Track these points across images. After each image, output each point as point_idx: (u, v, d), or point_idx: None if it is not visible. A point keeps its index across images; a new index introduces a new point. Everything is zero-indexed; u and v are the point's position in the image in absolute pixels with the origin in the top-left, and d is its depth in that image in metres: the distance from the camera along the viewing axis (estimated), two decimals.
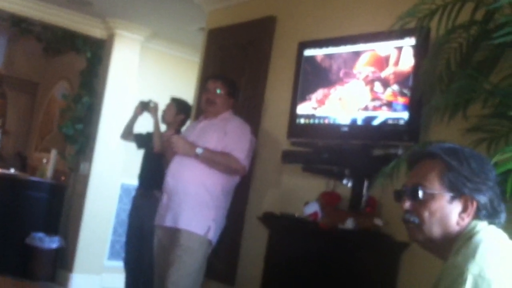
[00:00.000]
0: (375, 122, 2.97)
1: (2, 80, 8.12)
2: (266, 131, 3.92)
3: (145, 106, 4.87)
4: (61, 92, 7.08)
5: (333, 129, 3.20)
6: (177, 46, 6.50)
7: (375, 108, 2.99)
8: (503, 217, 1.59)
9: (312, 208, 3.16)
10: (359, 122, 3.06)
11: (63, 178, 6.55)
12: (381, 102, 2.96)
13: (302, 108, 3.40)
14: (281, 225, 3.35)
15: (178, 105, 4.90)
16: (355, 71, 3.13)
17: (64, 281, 5.92)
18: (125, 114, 5.53)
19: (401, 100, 2.87)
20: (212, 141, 3.51)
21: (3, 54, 8.13)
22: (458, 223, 1.55)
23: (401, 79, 2.89)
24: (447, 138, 2.47)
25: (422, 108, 2.70)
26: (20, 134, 8.08)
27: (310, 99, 3.36)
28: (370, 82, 3.04)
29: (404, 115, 2.84)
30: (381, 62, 3.00)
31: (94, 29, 6.23)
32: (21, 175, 6.75)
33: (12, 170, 6.97)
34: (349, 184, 3.17)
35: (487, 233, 1.52)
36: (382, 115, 2.94)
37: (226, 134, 3.52)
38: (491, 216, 1.56)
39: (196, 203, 3.44)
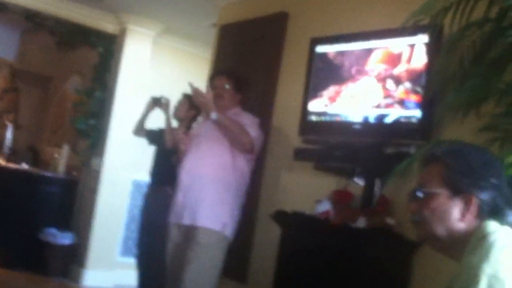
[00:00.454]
0: (387, 120, 2.95)
1: (15, 74, 8.15)
2: (277, 128, 3.90)
3: (156, 102, 4.87)
4: (74, 87, 7.10)
5: (345, 126, 3.18)
6: (189, 41, 6.50)
7: (387, 106, 2.96)
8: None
9: (324, 206, 3.15)
10: (371, 119, 3.04)
11: (75, 173, 6.58)
12: (394, 100, 2.93)
13: (314, 105, 3.38)
14: (293, 223, 3.33)
15: (190, 101, 4.89)
16: (367, 68, 3.11)
17: (77, 277, 5.95)
18: (137, 109, 5.54)
19: (413, 98, 2.85)
20: (221, 136, 3.49)
21: (17, 48, 8.16)
22: (461, 221, 1.56)
23: (414, 77, 2.86)
24: (460, 137, 2.44)
25: (435, 106, 2.68)
26: (32, 128, 8.11)
27: (321, 96, 3.34)
28: (382, 79, 3.01)
29: (417, 113, 2.82)
30: (394, 59, 2.98)
31: (106, 24, 6.23)
32: (33, 170, 6.78)
33: (24, 165, 7.01)
34: (361, 182, 3.15)
35: (501, 234, 1.51)
36: (394, 113, 2.92)
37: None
38: (495, 214, 1.56)
39: (212, 199, 3.44)
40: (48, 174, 6.64)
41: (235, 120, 3.47)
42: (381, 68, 3.03)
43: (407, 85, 2.88)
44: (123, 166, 6.11)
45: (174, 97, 4.95)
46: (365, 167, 3.11)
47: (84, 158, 6.33)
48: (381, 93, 3.00)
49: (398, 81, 2.92)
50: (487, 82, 2.34)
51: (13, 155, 7.54)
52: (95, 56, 6.39)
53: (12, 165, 6.85)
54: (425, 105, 2.77)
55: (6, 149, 7.52)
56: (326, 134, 3.32)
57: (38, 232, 5.98)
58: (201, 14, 5.41)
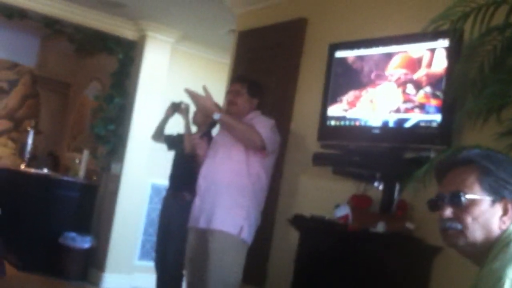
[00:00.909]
0: (407, 125, 2.95)
1: (35, 80, 8.25)
2: (296, 133, 3.92)
3: (176, 108, 4.90)
4: (93, 93, 7.18)
5: (364, 131, 3.19)
6: (207, 48, 6.54)
7: (407, 110, 2.96)
8: None
9: (343, 211, 3.15)
10: (391, 124, 3.04)
11: (94, 178, 6.63)
12: (413, 104, 2.94)
13: (333, 110, 3.39)
14: (312, 228, 3.34)
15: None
16: (387, 73, 3.11)
17: (96, 280, 6.00)
18: (156, 115, 5.59)
19: (433, 103, 2.85)
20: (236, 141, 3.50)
21: (36, 55, 8.25)
22: (500, 227, 1.55)
23: (434, 81, 2.86)
24: (481, 142, 2.44)
25: (455, 112, 2.67)
26: (52, 134, 8.19)
27: (341, 101, 3.35)
28: (402, 84, 3.02)
29: (437, 118, 2.82)
30: (414, 64, 2.98)
31: (126, 31, 6.30)
32: (53, 175, 6.85)
33: (45, 170, 7.08)
34: (380, 187, 3.15)
35: None
36: (414, 118, 2.92)
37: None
38: None
39: (228, 203, 3.44)
40: (68, 179, 6.70)
41: (240, 120, 3.47)
42: (401, 72, 3.03)
43: (427, 89, 2.88)
44: (142, 171, 6.16)
45: (192, 103, 4.98)
46: (384, 172, 3.11)
47: (104, 163, 6.39)
48: (400, 97, 3.00)
49: (418, 85, 2.93)
50: (507, 88, 2.34)
51: (33, 161, 7.62)
52: (114, 62, 6.45)
53: (32, 170, 6.93)
54: (445, 109, 2.77)
55: (26, 155, 7.61)
56: (345, 139, 3.33)
57: (58, 236, 6.04)
58: (219, 21, 5.45)
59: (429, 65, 2.90)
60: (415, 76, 2.95)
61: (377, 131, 3.11)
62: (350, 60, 3.35)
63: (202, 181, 3.58)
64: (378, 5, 3.55)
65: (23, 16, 6.05)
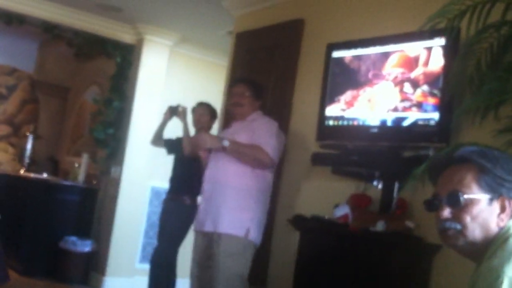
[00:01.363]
0: (405, 123, 2.96)
1: (34, 85, 8.25)
2: (295, 133, 3.92)
3: (174, 111, 4.91)
4: (92, 97, 7.18)
5: (362, 130, 3.19)
6: (205, 50, 6.55)
7: (404, 109, 2.97)
8: None
9: (342, 210, 3.16)
10: (389, 123, 3.05)
11: (94, 181, 6.64)
12: (411, 103, 2.94)
13: (331, 110, 3.39)
14: (311, 228, 3.34)
15: (210, 109, 4.96)
16: (384, 72, 3.12)
17: (97, 284, 6.00)
18: (155, 118, 5.60)
19: (431, 101, 2.85)
20: (242, 140, 3.51)
21: (35, 59, 8.27)
22: (497, 225, 1.55)
23: (431, 80, 2.87)
24: (479, 140, 2.44)
25: (453, 110, 2.68)
26: (52, 138, 8.19)
27: (338, 100, 3.35)
28: (399, 83, 3.02)
29: (435, 116, 2.82)
30: (411, 63, 2.98)
31: (124, 35, 6.31)
32: (53, 179, 6.85)
33: (44, 174, 7.09)
34: (379, 186, 3.15)
35: None
36: (412, 116, 2.92)
37: (254, 132, 3.52)
38: None
39: (233, 206, 3.44)
40: (68, 183, 6.71)
41: (247, 144, 3.47)
42: (398, 71, 3.04)
43: (425, 88, 2.88)
44: (142, 174, 6.17)
45: (191, 105, 5.00)
46: (383, 171, 3.11)
47: (103, 166, 6.39)
48: (398, 96, 3.01)
49: (415, 84, 2.93)
50: (504, 85, 2.34)
51: (33, 165, 7.63)
52: (112, 66, 6.46)
53: (32, 175, 6.93)
54: (443, 107, 2.77)
55: (26, 160, 7.61)
56: (344, 138, 3.33)
57: (59, 240, 6.04)
58: (216, 23, 5.46)
59: (426, 63, 2.90)
60: (413, 75, 2.96)
61: (375, 130, 3.12)
62: (347, 60, 3.36)
63: (207, 185, 3.58)
64: (375, 4, 3.56)
65: (21, 21, 6.06)
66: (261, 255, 3.81)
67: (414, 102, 2.92)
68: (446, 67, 2.78)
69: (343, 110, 3.31)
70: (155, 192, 6.32)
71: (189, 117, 4.93)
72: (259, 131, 3.52)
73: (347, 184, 3.37)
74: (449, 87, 2.67)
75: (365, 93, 3.21)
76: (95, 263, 6.10)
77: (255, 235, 3.45)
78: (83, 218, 6.34)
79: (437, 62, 2.85)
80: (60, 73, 8.24)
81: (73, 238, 6.04)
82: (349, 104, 3.29)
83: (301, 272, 3.32)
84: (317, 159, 3.44)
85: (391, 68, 3.08)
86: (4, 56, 7.89)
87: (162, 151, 5.17)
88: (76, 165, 7.09)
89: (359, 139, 3.22)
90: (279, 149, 3.54)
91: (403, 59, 3.03)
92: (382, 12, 3.47)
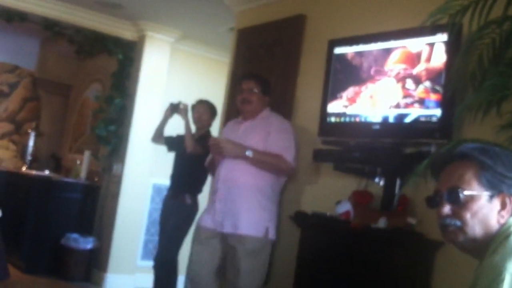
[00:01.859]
0: (407, 120, 2.95)
1: (35, 83, 8.26)
2: (296, 130, 3.90)
3: (174, 108, 4.90)
4: (94, 94, 7.19)
5: (364, 127, 3.18)
6: (206, 47, 6.55)
7: (407, 106, 2.96)
8: None
9: (344, 207, 3.15)
10: (391, 119, 3.04)
11: (96, 179, 6.64)
12: (413, 99, 2.93)
13: (333, 107, 3.38)
14: (313, 224, 3.34)
15: (210, 106, 4.96)
16: (386, 68, 3.11)
17: (99, 281, 6.00)
18: (157, 115, 5.59)
19: (433, 97, 2.84)
20: (256, 142, 3.51)
21: (37, 57, 8.26)
22: (498, 221, 1.54)
23: (433, 76, 2.86)
24: (481, 136, 2.44)
25: (455, 106, 2.67)
26: (54, 135, 8.20)
27: (340, 97, 3.34)
28: (401, 79, 3.01)
29: (437, 112, 2.81)
30: (413, 59, 2.97)
31: (125, 32, 6.30)
32: (55, 177, 6.85)
33: (46, 172, 7.09)
34: (381, 183, 3.15)
35: None
36: (414, 113, 2.91)
37: (270, 134, 3.53)
38: None
39: (252, 207, 3.46)
40: (70, 180, 6.72)
41: (269, 152, 3.48)
42: (400, 68, 3.03)
43: (427, 84, 2.87)
44: (144, 171, 6.17)
45: (192, 102, 5.00)
46: (385, 168, 3.11)
47: (105, 164, 6.39)
48: (400, 93, 3.00)
49: (417, 80, 2.92)
50: (507, 80, 2.33)
51: (35, 163, 7.64)
52: (114, 63, 6.45)
53: (34, 172, 6.94)
54: (445, 103, 2.76)
55: (28, 157, 7.62)
56: (346, 135, 3.32)
57: (60, 237, 6.05)
58: (218, 20, 5.45)
59: (428, 59, 2.89)
60: (415, 71, 2.95)
61: (377, 127, 3.11)
62: (349, 56, 3.35)
63: (222, 186, 3.54)
64: (376, 0, 3.55)
65: (22, 19, 6.05)
66: None
67: (416, 98, 2.91)
68: (448, 63, 2.77)
69: (345, 106, 3.31)
70: (156, 189, 6.32)
71: (190, 114, 4.93)
72: (276, 134, 3.53)
73: (349, 180, 3.36)
74: (451, 83, 2.66)
75: (367, 89, 3.20)
76: (97, 260, 6.11)
77: (272, 232, 3.50)
78: (85, 215, 6.35)
79: (439, 58, 2.84)
80: (62, 70, 8.24)
81: (75, 235, 6.04)
82: (351, 100, 3.28)
83: (303, 268, 3.32)
84: (319, 156, 3.43)
85: (393, 64, 3.07)
86: (6, 54, 7.89)
87: (164, 148, 5.17)
88: (78, 162, 7.10)
89: (361, 136, 3.21)
90: (297, 153, 3.58)
91: (405, 55, 3.02)
92: (384, 8, 3.46)
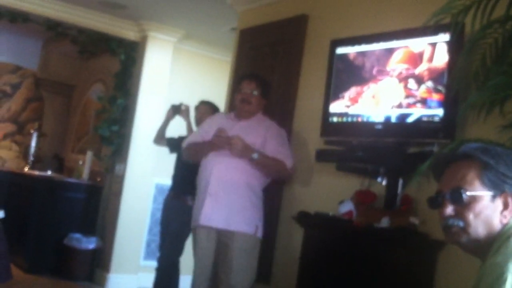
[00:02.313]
0: (410, 119, 2.95)
1: (38, 83, 8.27)
2: (299, 130, 3.91)
3: (176, 110, 4.91)
4: (97, 94, 7.19)
5: (367, 127, 3.18)
6: (209, 46, 6.55)
7: (409, 105, 2.96)
8: None
9: (347, 206, 3.15)
10: (393, 119, 3.04)
11: (99, 179, 6.65)
12: (415, 99, 2.93)
13: (335, 107, 3.38)
14: (316, 224, 3.34)
15: (212, 107, 4.95)
16: (388, 68, 3.11)
17: (102, 281, 6.01)
18: (159, 115, 5.59)
19: (435, 97, 2.84)
20: (253, 143, 3.52)
21: (40, 57, 8.27)
22: (501, 221, 1.54)
23: (436, 76, 2.86)
24: (484, 135, 2.44)
25: (458, 105, 2.67)
26: (56, 136, 8.22)
27: (343, 97, 3.34)
28: (403, 79, 3.01)
29: (439, 112, 2.81)
30: (415, 59, 2.97)
31: (127, 32, 6.31)
32: (57, 177, 6.87)
33: (49, 172, 7.10)
34: (384, 182, 3.15)
35: None
36: (416, 112, 2.91)
37: (268, 139, 3.57)
38: None
39: (244, 204, 3.51)
40: (72, 180, 6.73)
41: (272, 157, 3.53)
42: (402, 67, 3.03)
43: (429, 84, 2.87)
44: (146, 171, 6.17)
45: (195, 101, 5.00)
46: (388, 167, 3.11)
47: (108, 164, 6.40)
48: (402, 92, 3.00)
49: (419, 80, 2.92)
50: (510, 80, 2.33)
51: (38, 163, 7.65)
52: (117, 63, 6.46)
53: (36, 172, 6.94)
54: (448, 103, 2.76)
55: (30, 157, 7.63)
56: (348, 135, 3.32)
57: (63, 237, 6.06)
58: (220, 20, 5.45)
59: (431, 59, 2.89)
60: (417, 71, 2.94)
61: (379, 127, 3.11)
62: (351, 56, 3.35)
63: (214, 181, 3.54)
64: (379, 0, 3.54)
65: (25, 19, 6.06)
66: (266, 252, 3.81)
67: (419, 98, 2.91)
68: (451, 63, 2.77)
69: (348, 106, 3.31)
70: (159, 189, 6.32)
71: (192, 115, 4.93)
72: (276, 140, 3.59)
73: (351, 180, 3.36)
74: (454, 83, 2.66)
75: (370, 89, 3.20)
76: (100, 260, 6.11)
77: (261, 231, 3.55)
78: (87, 215, 6.35)
79: (441, 58, 2.84)
80: (64, 71, 8.25)
81: (78, 235, 6.05)
82: (354, 100, 3.28)
83: (305, 268, 3.32)
84: (322, 156, 3.44)
85: (396, 64, 3.07)
86: (8, 54, 7.91)
87: (166, 147, 5.17)
88: (81, 162, 7.11)
89: (363, 136, 3.21)
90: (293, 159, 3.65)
91: (408, 55, 3.02)
92: (386, 8, 3.46)
